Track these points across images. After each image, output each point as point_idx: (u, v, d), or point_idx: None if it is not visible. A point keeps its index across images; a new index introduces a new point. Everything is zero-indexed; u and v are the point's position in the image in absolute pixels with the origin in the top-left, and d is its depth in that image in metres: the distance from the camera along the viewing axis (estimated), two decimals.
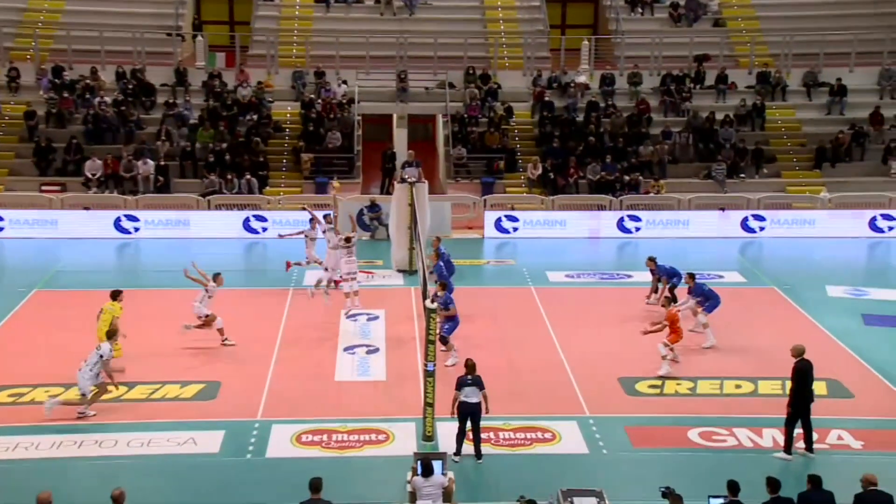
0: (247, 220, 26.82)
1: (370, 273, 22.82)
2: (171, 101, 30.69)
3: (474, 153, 29.93)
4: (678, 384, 16.66)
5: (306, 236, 21.98)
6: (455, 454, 13.79)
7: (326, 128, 30.07)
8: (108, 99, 30.35)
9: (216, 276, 18.48)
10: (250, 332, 18.69)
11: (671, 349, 17.05)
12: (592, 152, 29.45)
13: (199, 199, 27.61)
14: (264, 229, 26.72)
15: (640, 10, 35.47)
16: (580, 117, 30.97)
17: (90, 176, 28.07)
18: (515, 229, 27.22)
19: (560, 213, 27.67)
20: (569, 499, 11.52)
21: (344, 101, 31.04)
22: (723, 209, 27.87)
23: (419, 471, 11.85)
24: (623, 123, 30.73)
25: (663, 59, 33.08)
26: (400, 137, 32.02)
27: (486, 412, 13.89)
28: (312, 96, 31.21)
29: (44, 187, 27.99)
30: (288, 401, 15.91)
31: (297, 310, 20.26)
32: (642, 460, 14.15)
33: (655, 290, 20.61)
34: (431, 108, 32.33)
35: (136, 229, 26.53)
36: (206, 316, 17.97)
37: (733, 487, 11.25)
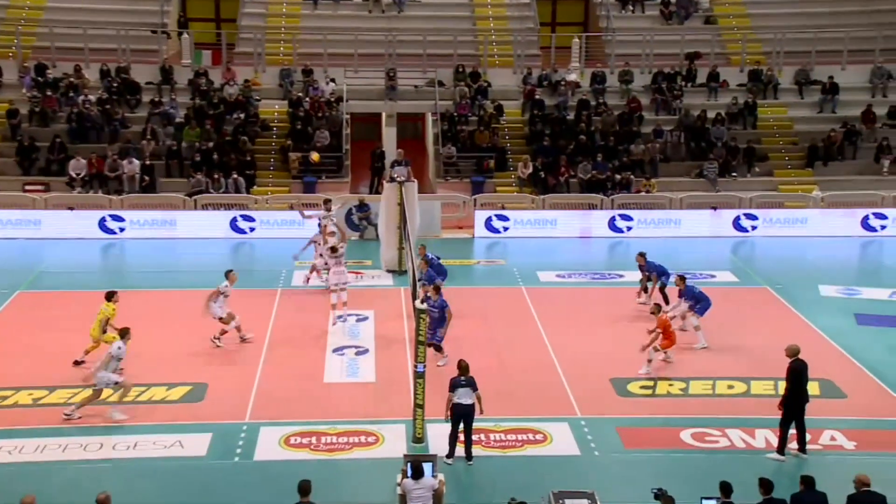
0: (234, 220, 26.76)
1: (359, 273, 22.80)
2: (156, 99, 30.59)
3: (464, 152, 29.94)
4: (670, 385, 16.71)
5: (316, 242, 21.79)
6: (447, 457, 13.78)
7: (314, 126, 30.03)
8: (92, 97, 30.23)
9: (228, 274, 18.48)
10: (237, 333, 18.62)
11: (664, 353, 17.06)
12: (583, 151, 29.50)
13: (186, 198, 27.53)
14: (252, 229, 26.70)
15: (630, 7, 35.55)
16: (571, 116, 31.01)
17: (74, 175, 27.96)
18: (506, 229, 27.24)
19: (551, 213, 27.71)
20: (560, 501, 11.54)
21: (332, 100, 31.00)
22: (715, 208, 27.97)
23: (409, 473, 11.84)
24: (614, 122, 30.79)
25: (654, 56, 33.15)
26: (389, 136, 32.01)
27: (481, 413, 13.89)
28: (300, 95, 31.17)
29: (27, 187, 27.86)
30: (276, 403, 15.88)
31: (285, 310, 20.23)
32: (634, 461, 14.18)
33: (645, 290, 20.64)
34: (421, 106, 32.33)
35: (122, 230, 26.44)
36: (224, 316, 18.02)
37: (726, 489, 11.29)
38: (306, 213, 23.03)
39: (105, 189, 27.88)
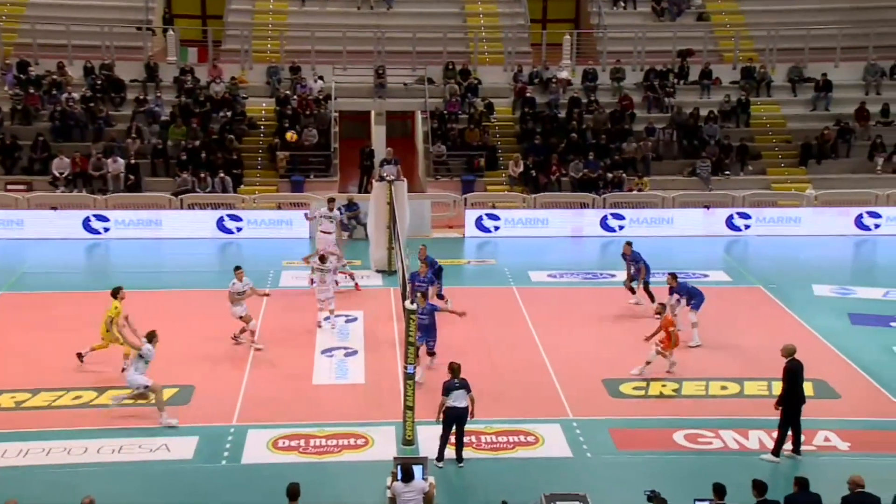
0: (221, 219, 26.70)
1: (348, 274, 22.73)
2: (141, 97, 30.49)
3: (454, 150, 29.95)
4: (663, 386, 16.74)
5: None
6: (437, 460, 13.76)
7: (302, 125, 29.98)
8: (75, 95, 30.11)
9: (236, 270, 18.46)
10: (225, 334, 18.58)
11: (665, 356, 16.90)
12: (575, 149, 29.54)
13: (172, 198, 27.45)
14: (239, 229, 26.64)
15: (622, 4, 35.64)
16: (562, 113, 31.05)
17: (57, 175, 27.85)
18: (497, 228, 27.26)
19: (542, 212, 27.75)
20: (552, 503, 11.55)
21: (320, 98, 30.96)
22: (707, 207, 28.05)
23: (399, 476, 11.85)
24: (606, 120, 30.83)
25: (646, 53, 33.23)
26: (378, 134, 32.00)
27: (472, 416, 13.86)
28: (288, 92, 31.12)
29: (9, 186, 27.74)
30: (264, 405, 15.85)
31: (273, 311, 20.17)
32: (627, 463, 14.20)
33: (632, 290, 20.63)
34: (410, 104, 32.32)
35: (106, 230, 26.36)
36: (244, 315, 18.07)
37: (719, 490, 11.32)
38: (310, 214, 23.01)
39: (89, 188, 27.78)
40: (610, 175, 28.82)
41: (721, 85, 32.63)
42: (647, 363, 16.92)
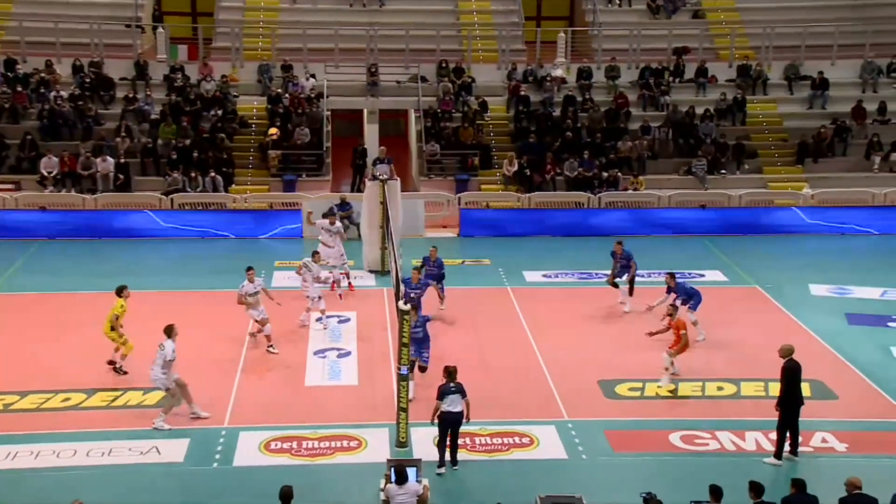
0: (212, 219, 26.65)
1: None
2: (131, 95, 30.42)
3: (448, 149, 29.93)
4: (659, 387, 16.74)
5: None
6: (439, 467, 13.69)
7: (294, 123, 29.94)
8: (64, 93, 30.01)
9: (248, 271, 18.40)
10: (216, 335, 18.56)
11: (672, 362, 16.72)
12: (570, 148, 29.55)
13: (162, 197, 27.40)
14: (230, 229, 26.60)
15: (617, 1, 35.66)
16: (557, 112, 31.05)
17: (46, 174, 27.76)
18: (491, 228, 27.26)
19: (537, 211, 27.74)
20: None
21: (312, 96, 30.92)
22: (703, 206, 28.09)
23: (393, 478, 11.85)
24: (601, 118, 30.86)
25: (641, 51, 33.26)
26: (371, 133, 31.96)
27: (467, 420, 13.83)
28: (279, 91, 31.07)
29: None
30: (256, 407, 15.84)
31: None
32: (623, 465, 14.22)
33: (615, 277, 20.67)
34: (403, 102, 32.31)
35: (95, 229, 26.27)
36: (259, 319, 17.98)
37: (716, 492, 11.34)
38: (318, 222, 22.88)
39: (78, 188, 27.70)
40: (605, 174, 28.83)
41: (717, 83, 32.68)
42: (666, 369, 16.56)
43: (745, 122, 31.62)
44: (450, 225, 27.67)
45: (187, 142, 28.81)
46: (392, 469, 11.95)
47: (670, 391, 16.46)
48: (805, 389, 14.65)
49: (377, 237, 22.97)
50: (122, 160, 28.15)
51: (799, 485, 11.53)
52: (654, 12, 35.27)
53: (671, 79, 32.65)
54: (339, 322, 19.76)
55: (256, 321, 18.12)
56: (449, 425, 13.67)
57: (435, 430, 13.89)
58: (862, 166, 30.34)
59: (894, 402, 16.33)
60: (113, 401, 15.91)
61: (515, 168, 29.04)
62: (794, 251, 26.56)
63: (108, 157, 27.95)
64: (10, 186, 27.64)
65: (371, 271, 23.16)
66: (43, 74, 30.59)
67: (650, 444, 14.77)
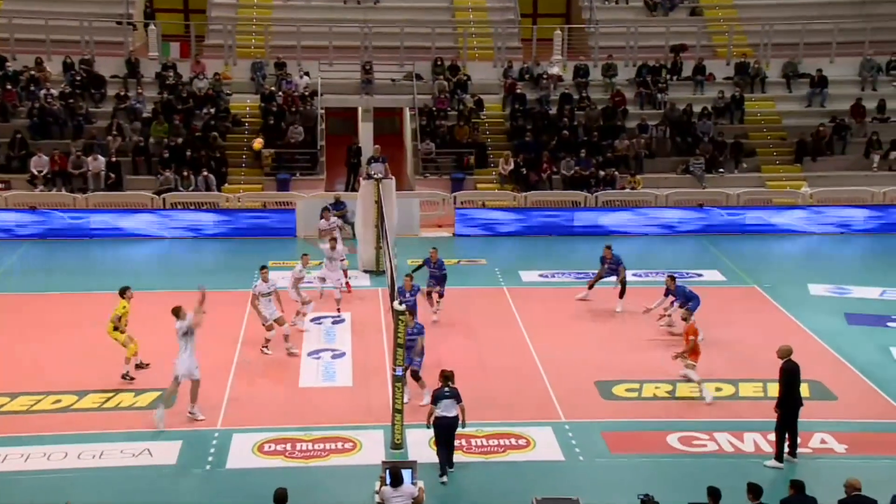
0: (204, 218, 26.62)
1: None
2: (122, 93, 30.38)
3: (443, 148, 29.94)
4: (657, 387, 16.78)
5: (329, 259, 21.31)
6: (441, 475, 13.59)
7: (288, 122, 29.93)
8: (54, 91, 29.97)
9: (262, 270, 18.31)
10: (209, 336, 18.49)
11: (693, 367, 16.44)
12: (566, 147, 29.57)
13: (154, 196, 27.37)
14: (222, 228, 26.56)
15: None
16: (553, 110, 31.08)
17: (36, 173, 27.71)
18: (487, 227, 27.27)
19: (533, 210, 27.76)
20: None
21: (306, 94, 30.91)
22: (701, 205, 28.13)
23: (388, 480, 11.84)
24: (598, 116, 30.88)
25: (639, 49, 33.30)
26: (365, 131, 31.97)
27: (463, 425, 13.79)
28: (273, 89, 31.05)
29: None
30: (249, 408, 15.83)
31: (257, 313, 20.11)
32: (620, 467, 14.23)
33: (598, 279, 20.74)
34: (398, 100, 32.29)
35: (87, 229, 26.23)
36: (276, 320, 17.90)
37: (714, 494, 11.35)
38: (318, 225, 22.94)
39: (69, 187, 27.66)
40: (602, 173, 28.86)
41: (715, 81, 32.72)
42: (699, 383, 16.29)
43: (744, 120, 31.67)
44: (445, 224, 27.69)
45: (179, 140, 28.77)
46: (387, 471, 11.95)
47: (705, 385, 16.28)
48: (804, 390, 14.68)
49: (372, 236, 22.98)
50: (114, 159, 28.12)
51: (798, 486, 11.55)
52: (651, 9, 35.30)
53: (668, 77, 32.69)
54: (334, 323, 19.77)
55: (275, 321, 17.88)
56: (443, 430, 13.65)
57: (430, 433, 13.87)
58: (861, 165, 30.40)
59: (894, 403, 16.36)
60: (104, 402, 15.89)
61: (511, 167, 29.06)
62: (792, 250, 26.64)
63: (100, 156, 27.91)
64: None
65: (366, 271, 23.16)
66: (33, 72, 30.54)
67: (648, 446, 14.78)
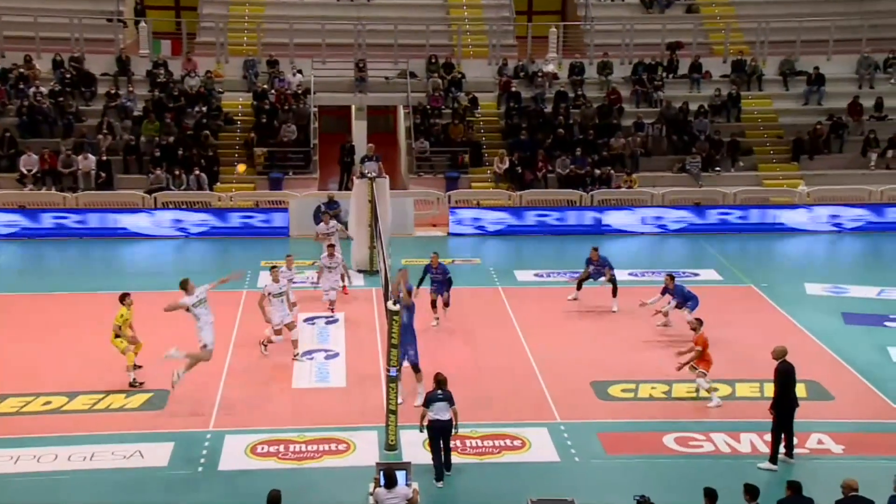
0: (196, 217, 26.60)
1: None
2: (112, 91, 30.35)
3: (438, 146, 29.95)
4: (653, 388, 16.80)
5: (327, 268, 21.27)
6: (437, 479, 13.55)
7: (281, 120, 29.91)
8: (44, 89, 29.92)
9: (272, 270, 18.17)
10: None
11: (705, 375, 16.34)
12: (562, 145, 29.60)
13: (145, 196, 27.34)
14: (215, 228, 26.55)
15: None
16: (548, 108, 31.11)
17: (25, 172, 27.66)
18: (481, 226, 27.29)
19: (528, 209, 27.79)
20: None
21: (299, 92, 30.90)
22: (698, 204, 28.18)
23: (382, 482, 11.85)
24: (593, 115, 30.91)
25: (634, 47, 33.33)
26: (359, 130, 31.95)
27: (456, 429, 13.72)
28: (265, 87, 31.04)
29: None
30: (241, 409, 15.81)
31: (250, 313, 20.06)
32: (616, 468, 14.25)
33: (584, 279, 20.72)
34: (392, 98, 32.31)
35: (78, 228, 26.20)
36: (287, 325, 17.79)
37: (711, 495, 11.37)
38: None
39: (59, 186, 27.62)
40: (598, 172, 28.89)
41: (711, 79, 32.78)
42: (708, 391, 16.16)
43: (740, 118, 31.73)
44: (439, 223, 27.69)
45: (171, 139, 28.74)
46: (381, 472, 11.96)
47: (716, 393, 16.25)
48: (801, 390, 14.71)
49: (365, 236, 22.98)
50: (104, 158, 28.08)
51: (794, 487, 11.57)
52: (647, 6, 35.35)
53: (664, 74, 32.74)
54: (327, 323, 19.76)
55: (275, 328, 17.71)
56: (439, 433, 13.64)
57: (424, 435, 13.88)
58: (858, 163, 30.46)
59: (891, 403, 16.40)
60: (95, 404, 15.86)
61: (506, 165, 29.08)
62: (789, 249, 26.69)
63: (90, 155, 27.88)
64: None
65: (360, 271, 23.15)
66: (22, 70, 30.48)
67: (644, 447, 14.80)
